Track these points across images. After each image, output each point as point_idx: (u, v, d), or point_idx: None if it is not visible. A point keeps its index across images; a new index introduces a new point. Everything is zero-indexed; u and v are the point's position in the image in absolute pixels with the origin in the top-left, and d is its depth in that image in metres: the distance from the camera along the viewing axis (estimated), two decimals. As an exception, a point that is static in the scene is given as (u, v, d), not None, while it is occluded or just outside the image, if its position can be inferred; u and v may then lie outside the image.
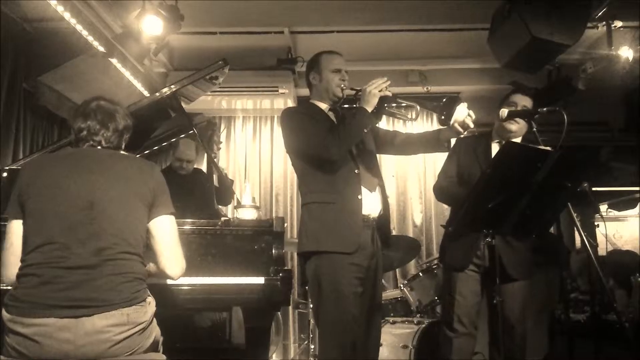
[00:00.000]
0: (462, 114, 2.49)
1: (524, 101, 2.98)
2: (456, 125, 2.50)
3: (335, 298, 2.53)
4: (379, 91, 2.58)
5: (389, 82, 2.61)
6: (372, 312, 2.68)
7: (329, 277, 2.55)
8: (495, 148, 3.06)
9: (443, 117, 2.51)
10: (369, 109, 2.58)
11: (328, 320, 2.56)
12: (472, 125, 2.50)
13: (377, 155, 2.92)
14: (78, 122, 2.10)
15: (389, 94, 2.61)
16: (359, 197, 2.61)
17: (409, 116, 2.88)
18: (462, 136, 2.65)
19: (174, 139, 4.18)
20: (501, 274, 2.77)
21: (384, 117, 2.86)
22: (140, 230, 2.01)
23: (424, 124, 5.94)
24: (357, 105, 2.64)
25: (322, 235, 2.59)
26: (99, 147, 2.09)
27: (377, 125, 2.83)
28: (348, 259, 2.54)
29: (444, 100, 2.52)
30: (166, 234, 2.09)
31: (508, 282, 2.85)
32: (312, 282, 2.62)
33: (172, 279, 2.11)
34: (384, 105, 2.67)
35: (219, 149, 5.92)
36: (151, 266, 2.10)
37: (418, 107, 2.77)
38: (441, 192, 3.15)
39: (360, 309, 2.59)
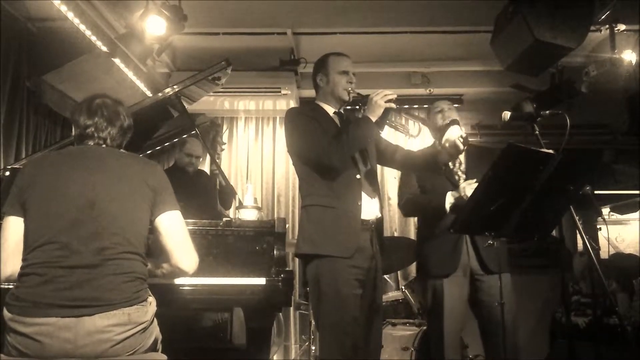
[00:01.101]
0: (454, 134, 2.53)
1: (445, 104, 3.14)
2: (447, 145, 2.54)
3: (335, 299, 2.53)
4: (385, 102, 2.58)
5: (395, 96, 2.62)
6: (373, 313, 2.68)
7: (328, 279, 2.55)
8: None
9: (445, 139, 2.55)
10: (374, 119, 2.59)
11: (328, 322, 2.56)
12: (462, 147, 2.55)
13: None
14: (83, 118, 2.09)
15: (394, 106, 2.62)
16: (359, 203, 2.62)
17: (411, 132, 2.90)
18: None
19: (176, 139, 4.18)
20: (482, 268, 2.87)
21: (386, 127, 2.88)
22: (141, 230, 2.01)
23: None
24: (362, 111, 2.65)
25: (319, 238, 2.60)
26: (103, 146, 2.09)
27: (380, 135, 2.85)
28: (348, 262, 2.55)
29: (446, 123, 2.57)
30: (174, 230, 2.08)
31: (490, 276, 2.88)
32: (312, 284, 2.63)
33: (186, 274, 2.09)
34: (387, 116, 2.68)
35: (222, 150, 5.92)
36: (164, 266, 2.10)
37: (421, 124, 2.80)
38: (408, 205, 3.14)
39: (361, 311, 2.59)
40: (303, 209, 2.73)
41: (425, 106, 5.94)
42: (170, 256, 2.06)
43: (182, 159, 4.33)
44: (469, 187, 2.80)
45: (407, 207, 3.16)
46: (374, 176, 2.77)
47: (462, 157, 3.10)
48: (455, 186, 2.94)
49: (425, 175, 3.09)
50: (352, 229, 2.59)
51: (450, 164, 3.07)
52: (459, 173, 3.09)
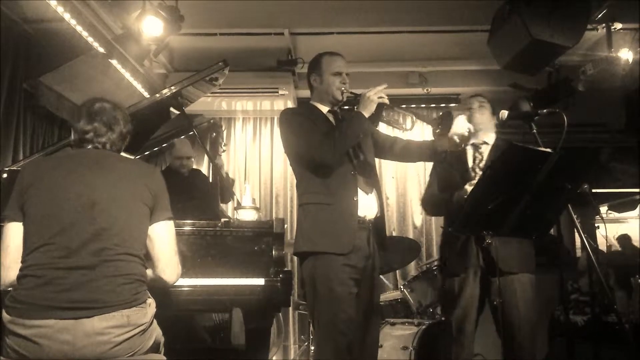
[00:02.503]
0: (463, 127, 2.57)
1: (476, 103, 3.10)
2: (455, 137, 2.56)
3: (330, 299, 2.53)
4: (378, 98, 2.59)
5: (386, 85, 2.62)
6: (369, 313, 2.67)
7: (323, 278, 2.55)
8: (469, 151, 3.09)
9: (439, 130, 2.57)
10: (366, 115, 2.59)
11: (323, 321, 2.56)
12: (468, 137, 2.59)
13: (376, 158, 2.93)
14: (82, 123, 2.09)
15: (387, 101, 2.63)
16: (355, 198, 2.62)
17: (405, 126, 2.91)
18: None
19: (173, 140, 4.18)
20: (494, 269, 2.78)
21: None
22: (141, 232, 2.01)
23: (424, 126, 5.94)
24: (355, 109, 2.66)
25: (316, 236, 2.59)
26: (102, 149, 2.09)
27: (376, 129, 2.85)
28: (343, 260, 2.54)
29: (440, 114, 2.61)
30: (164, 240, 2.08)
31: (502, 277, 2.82)
32: (308, 283, 2.62)
33: (167, 285, 2.11)
34: (381, 112, 2.69)
35: (223, 150, 5.92)
36: (147, 272, 2.09)
37: (414, 117, 2.81)
38: (425, 204, 3.27)
39: (357, 310, 2.59)
40: (300, 207, 2.74)
41: (423, 105, 6.00)
42: (156, 265, 2.07)
43: (173, 162, 4.34)
44: (467, 189, 2.80)
45: (424, 206, 3.31)
46: (370, 171, 2.77)
47: (484, 153, 3.09)
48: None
49: (444, 174, 3.08)
50: (348, 225, 2.58)
51: (470, 161, 3.07)
52: (477, 170, 3.06)
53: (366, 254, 2.65)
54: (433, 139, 2.73)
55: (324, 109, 2.81)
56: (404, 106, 2.79)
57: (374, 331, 2.74)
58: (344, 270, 2.54)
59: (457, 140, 2.58)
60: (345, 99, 2.79)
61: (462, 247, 2.93)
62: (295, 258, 5.36)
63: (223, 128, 6.08)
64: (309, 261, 2.61)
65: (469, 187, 2.80)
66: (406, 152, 2.90)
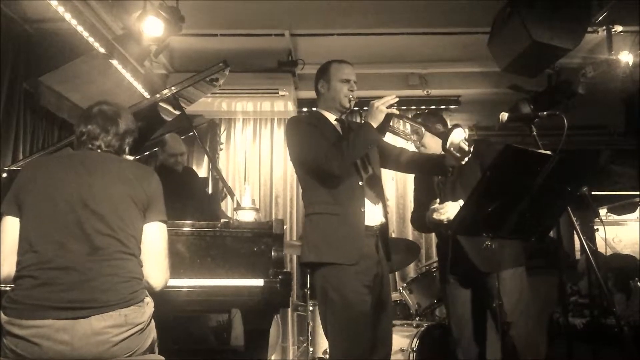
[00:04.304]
0: (459, 137, 2.48)
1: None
2: (452, 149, 2.49)
3: (343, 307, 2.52)
4: (387, 108, 2.57)
5: (397, 100, 2.60)
6: (382, 318, 2.66)
7: (336, 287, 2.54)
8: None
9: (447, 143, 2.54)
10: (375, 125, 2.57)
11: (337, 329, 2.55)
12: (467, 149, 2.49)
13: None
14: (80, 126, 2.11)
15: (396, 112, 2.61)
16: (362, 209, 2.61)
17: (413, 137, 2.89)
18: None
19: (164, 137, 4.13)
20: (472, 269, 2.82)
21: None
22: (135, 232, 2.01)
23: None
24: (364, 119, 2.64)
25: (323, 246, 2.58)
26: (99, 151, 2.10)
27: (383, 139, 2.84)
28: (354, 268, 2.54)
29: (450, 127, 2.55)
30: (155, 242, 2.06)
31: (483, 277, 2.84)
32: (320, 293, 2.61)
33: (153, 289, 2.06)
34: (390, 122, 2.67)
35: (220, 149, 5.92)
36: None
37: (423, 130, 2.78)
38: (413, 221, 3.33)
39: (370, 317, 2.58)
40: (307, 217, 2.72)
41: (423, 107, 6.01)
42: (143, 266, 2.04)
43: (167, 160, 4.20)
44: (432, 209, 2.87)
45: (412, 223, 3.38)
46: (377, 182, 2.76)
47: None
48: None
49: (418, 194, 3.17)
50: (355, 235, 2.57)
51: (436, 178, 3.08)
52: (440, 186, 3.07)
53: (376, 260, 2.65)
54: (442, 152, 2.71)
55: (331, 117, 2.80)
56: (413, 117, 2.76)
57: (387, 336, 2.71)
58: (356, 278, 2.54)
59: (455, 153, 2.53)
60: (352, 107, 2.79)
61: (447, 251, 2.94)
62: (294, 259, 5.38)
63: (223, 130, 6.09)
64: (320, 271, 2.60)
65: (437, 205, 2.83)
66: (413, 165, 2.88)
